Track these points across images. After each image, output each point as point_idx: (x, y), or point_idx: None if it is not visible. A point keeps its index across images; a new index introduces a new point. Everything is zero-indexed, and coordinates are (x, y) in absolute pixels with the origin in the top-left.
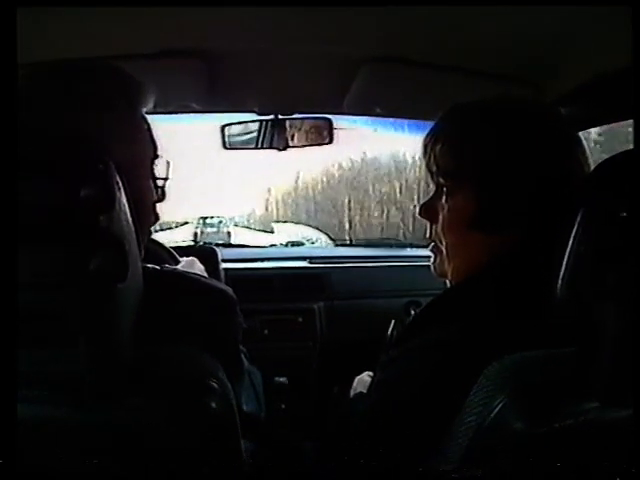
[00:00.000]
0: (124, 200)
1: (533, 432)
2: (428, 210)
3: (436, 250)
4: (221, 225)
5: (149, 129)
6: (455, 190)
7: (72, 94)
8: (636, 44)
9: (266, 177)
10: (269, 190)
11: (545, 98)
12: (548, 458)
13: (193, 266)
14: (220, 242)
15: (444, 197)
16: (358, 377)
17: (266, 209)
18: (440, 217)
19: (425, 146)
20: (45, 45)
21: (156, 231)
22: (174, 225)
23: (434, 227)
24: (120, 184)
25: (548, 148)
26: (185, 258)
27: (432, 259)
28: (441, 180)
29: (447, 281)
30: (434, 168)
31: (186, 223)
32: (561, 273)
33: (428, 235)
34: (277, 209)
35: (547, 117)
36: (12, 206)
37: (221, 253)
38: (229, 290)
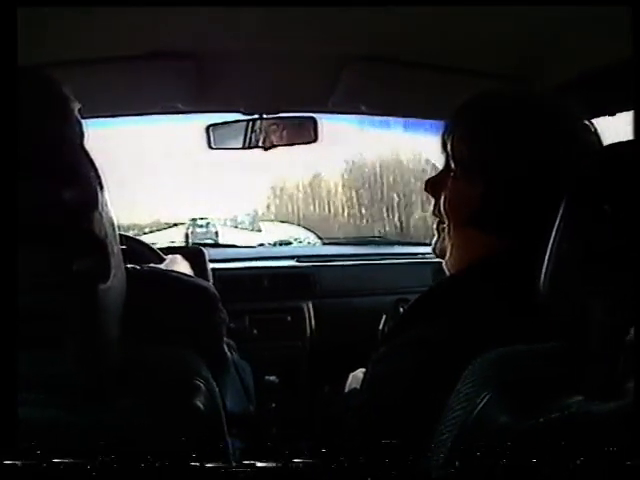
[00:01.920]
0: (106, 201)
1: (518, 427)
2: (434, 186)
3: (439, 228)
4: (209, 225)
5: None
6: (462, 178)
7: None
8: (636, 44)
9: (252, 176)
10: (256, 189)
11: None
12: (533, 453)
13: (177, 263)
14: (208, 242)
15: (451, 180)
16: (352, 374)
17: (253, 208)
18: (443, 197)
19: (444, 134)
20: (32, 48)
21: (150, 232)
22: (167, 226)
23: (438, 204)
24: (103, 185)
25: (566, 146)
26: (170, 256)
27: (434, 239)
28: (452, 164)
29: (443, 264)
30: (448, 150)
31: (176, 225)
32: (547, 269)
33: (432, 211)
34: (264, 208)
35: (568, 117)
36: (9, 208)
37: (209, 253)
38: (210, 286)
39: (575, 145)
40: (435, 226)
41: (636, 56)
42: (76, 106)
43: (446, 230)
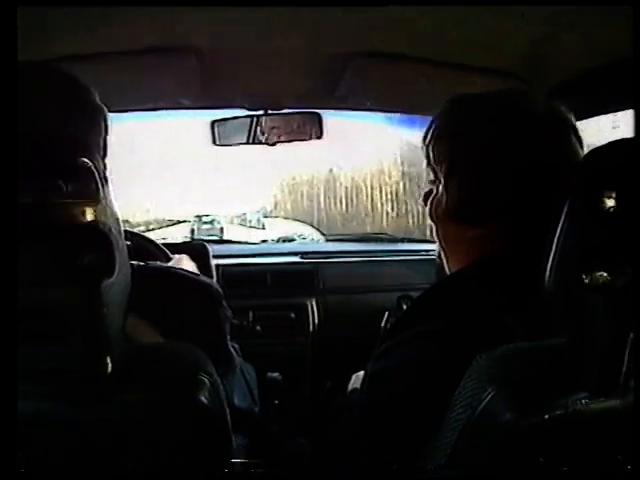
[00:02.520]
0: (110, 196)
1: (522, 423)
2: (426, 197)
3: (437, 235)
4: (214, 222)
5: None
6: (445, 181)
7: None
8: (636, 44)
9: (257, 173)
10: (261, 186)
11: (534, 91)
12: (537, 449)
13: (183, 263)
14: (213, 238)
15: (435, 187)
16: (356, 374)
17: (259, 206)
18: (433, 206)
19: (424, 137)
20: (40, 43)
21: (151, 229)
22: (170, 223)
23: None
24: (106, 179)
25: (539, 142)
26: (176, 255)
27: (437, 246)
28: (434, 171)
29: (445, 267)
30: (431, 158)
31: (180, 222)
32: (548, 266)
33: (430, 221)
34: (269, 205)
35: (541, 111)
36: (11, 206)
37: (212, 249)
38: (214, 283)
39: (551, 143)
40: (435, 234)
41: (636, 56)
42: (101, 108)
43: (440, 234)
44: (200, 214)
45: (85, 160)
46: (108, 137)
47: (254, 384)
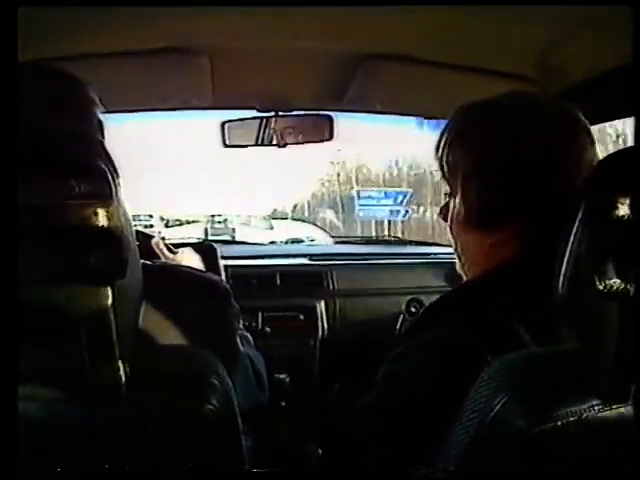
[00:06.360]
0: (121, 195)
1: (534, 430)
2: (445, 212)
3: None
4: (227, 222)
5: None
6: (458, 189)
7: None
8: (636, 44)
9: (266, 174)
10: (272, 188)
11: (547, 95)
12: (549, 456)
13: (188, 256)
14: (225, 238)
15: (452, 198)
16: None
17: (269, 206)
18: (449, 217)
19: (437, 148)
20: (48, 43)
21: (171, 226)
22: (182, 222)
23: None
24: (118, 179)
25: (553, 146)
26: (181, 249)
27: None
28: (449, 180)
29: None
30: (445, 169)
31: (194, 221)
32: (562, 271)
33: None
34: (279, 206)
35: (554, 114)
36: (13, 204)
37: (221, 250)
38: (221, 281)
39: (568, 146)
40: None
41: (636, 56)
42: (97, 105)
43: (459, 244)
44: (213, 214)
45: (97, 161)
46: (106, 136)
47: (264, 373)
